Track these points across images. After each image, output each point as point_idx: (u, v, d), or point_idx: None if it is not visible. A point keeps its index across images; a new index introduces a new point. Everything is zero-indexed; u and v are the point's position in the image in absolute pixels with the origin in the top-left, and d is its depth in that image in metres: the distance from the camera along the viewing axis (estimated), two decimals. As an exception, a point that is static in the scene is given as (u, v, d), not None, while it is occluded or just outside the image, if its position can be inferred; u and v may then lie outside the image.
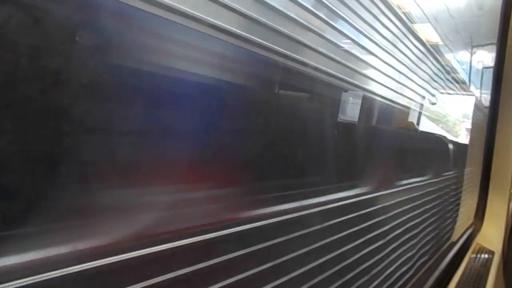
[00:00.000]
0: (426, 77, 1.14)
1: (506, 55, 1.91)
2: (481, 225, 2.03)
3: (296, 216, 0.60)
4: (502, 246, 1.90)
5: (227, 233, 0.47)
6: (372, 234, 0.88)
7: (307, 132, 0.69)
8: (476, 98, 1.93)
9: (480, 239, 1.94)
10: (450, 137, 1.79)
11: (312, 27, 0.64)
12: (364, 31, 0.77)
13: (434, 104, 1.29)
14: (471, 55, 1.69)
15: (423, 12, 1.06)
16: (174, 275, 0.40)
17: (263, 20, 0.51)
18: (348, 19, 0.70)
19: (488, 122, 1.97)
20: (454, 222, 1.78)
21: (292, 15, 0.58)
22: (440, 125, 1.61)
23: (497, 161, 1.96)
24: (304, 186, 0.66)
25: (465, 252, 1.81)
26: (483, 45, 1.83)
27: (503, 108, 1.92)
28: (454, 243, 1.80)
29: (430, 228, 1.39)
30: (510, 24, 1.86)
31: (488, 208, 2.02)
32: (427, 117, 1.34)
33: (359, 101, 0.87)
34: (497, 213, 1.98)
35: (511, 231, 2.07)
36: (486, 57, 1.98)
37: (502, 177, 1.97)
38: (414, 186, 1.18)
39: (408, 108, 1.10)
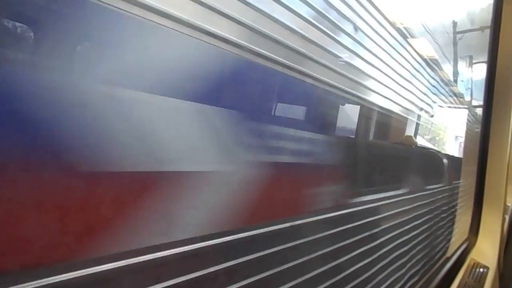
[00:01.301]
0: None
1: (497, 67, 1.92)
2: (476, 240, 2.01)
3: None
4: (497, 261, 1.89)
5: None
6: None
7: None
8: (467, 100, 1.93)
9: (475, 255, 1.92)
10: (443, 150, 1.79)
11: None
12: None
13: (432, 116, 1.28)
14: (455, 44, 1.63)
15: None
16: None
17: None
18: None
19: (481, 136, 1.98)
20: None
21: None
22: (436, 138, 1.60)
23: (491, 176, 1.96)
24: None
25: (459, 267, 1.78)
26: (468, 31, 1.77)
27: (496, 122, 1.93)
28: (448, 259, 1.78)
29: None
30: (500, 36, 1.88)
31: (482, 223, 2.01)
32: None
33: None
34: (492, 228, 1.97)
35: (506, 246, 2.06)
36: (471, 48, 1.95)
37: (496, 191, 1.96)
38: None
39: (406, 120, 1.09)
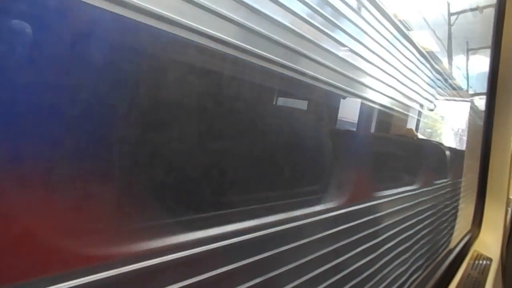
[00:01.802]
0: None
1: (501, 60, 1.91)
2: (479, 232, 2.02)
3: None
4: (500, 252, 1.89)
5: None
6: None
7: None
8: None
9: (478, 246, 1.93)
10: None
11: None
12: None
13: (432, 110, 1.28)
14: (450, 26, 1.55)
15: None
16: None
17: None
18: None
19: (484, 128, 1.97)
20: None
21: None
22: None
23: (494, 167, 1.96)
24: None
25: (462, 259, 1.79)
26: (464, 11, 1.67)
27: (499, 114, 1.92)
28: (451, 250, 1.78)
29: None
30: (504, 28, 1.86)
31: (485, 214, 2.01)
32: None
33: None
34: (495, 219, 1.97)
35: (509, 237, 2.06)
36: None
37: (499, 183, 1.96)
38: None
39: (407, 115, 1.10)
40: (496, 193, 1.97)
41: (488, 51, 1.93)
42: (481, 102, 2.04)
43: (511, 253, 2.05)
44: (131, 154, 0.37)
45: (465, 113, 1.92)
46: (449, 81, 1.56)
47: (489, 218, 2.00)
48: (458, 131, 2.05)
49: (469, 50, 1.98)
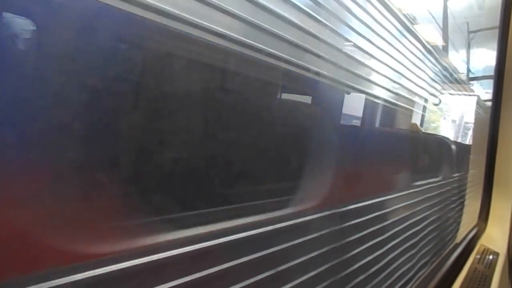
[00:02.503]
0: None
1: (508, 50, 1.87)
2: (485, 226, 2.01)
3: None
4: (507, 247, 1.88)
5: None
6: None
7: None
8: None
9: (485, 240, 1.92)
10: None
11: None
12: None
13: (436, 105, 1.27)
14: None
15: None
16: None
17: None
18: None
19: (490, 122, 1.95)
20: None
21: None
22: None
23: (501, 161, 1.94)
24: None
25: (469, 253, 1.79)
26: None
27: (505, 108, 1.89)
28: (458, 244, 1.78)
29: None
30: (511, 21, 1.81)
31: (492, 209, 2.00)
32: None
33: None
34: (502, 214, 1.96)
35: (516, 232, 2.05)
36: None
37: (506, 177, 1.94)
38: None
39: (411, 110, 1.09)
40: (503, 187, 1.95)
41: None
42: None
43: (518, 247, 2.03)
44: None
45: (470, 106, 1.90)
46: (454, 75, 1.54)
47: (495, 212, 1.98)
48: (459, 123, 2.03)
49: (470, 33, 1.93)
